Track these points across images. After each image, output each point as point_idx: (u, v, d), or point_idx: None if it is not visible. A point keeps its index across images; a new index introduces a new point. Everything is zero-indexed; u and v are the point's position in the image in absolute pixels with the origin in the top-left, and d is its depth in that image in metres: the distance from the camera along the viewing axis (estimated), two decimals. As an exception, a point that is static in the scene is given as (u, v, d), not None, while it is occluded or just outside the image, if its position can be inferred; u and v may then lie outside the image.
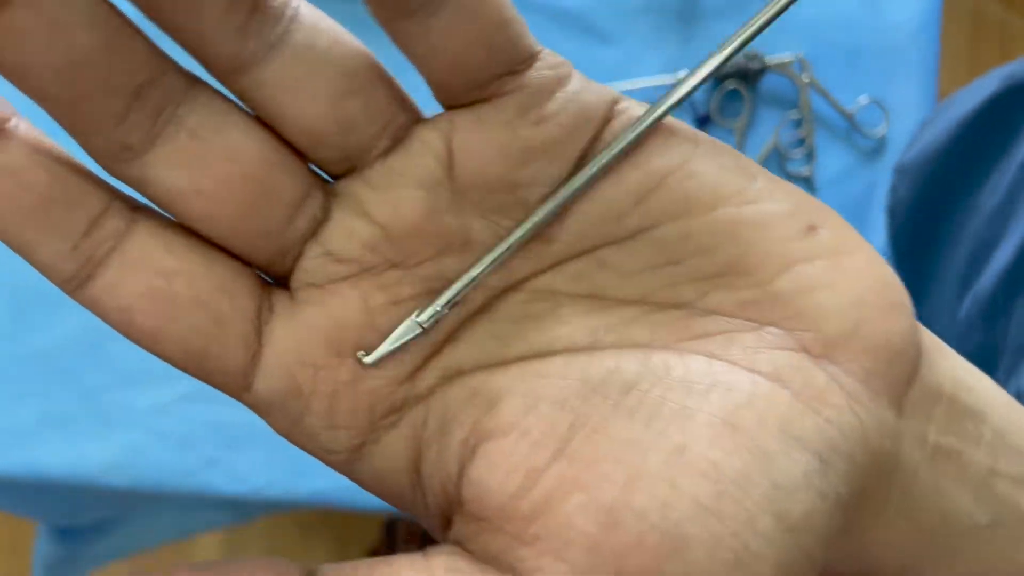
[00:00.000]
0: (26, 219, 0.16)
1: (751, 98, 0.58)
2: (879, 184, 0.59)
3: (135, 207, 0.17)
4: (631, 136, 0.18)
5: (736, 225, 0.18)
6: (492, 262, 0.18)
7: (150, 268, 0.17)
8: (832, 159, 0.59)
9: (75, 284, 0.17)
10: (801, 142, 0.58)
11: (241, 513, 0.66)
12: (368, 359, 0.18)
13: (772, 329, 0.17)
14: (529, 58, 0.18)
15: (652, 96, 0.58)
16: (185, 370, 0.17)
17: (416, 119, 0.18)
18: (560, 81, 0.18)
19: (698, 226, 0.18)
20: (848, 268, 0.18)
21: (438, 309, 0.18)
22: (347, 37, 0.17)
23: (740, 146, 0.58)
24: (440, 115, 0.18)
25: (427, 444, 0.18)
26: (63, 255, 0.16)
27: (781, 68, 0.58)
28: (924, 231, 0.55)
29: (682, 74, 0.58)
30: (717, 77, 0.58)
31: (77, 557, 0.67)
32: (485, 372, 0.18)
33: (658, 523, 0.16)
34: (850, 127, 0.59)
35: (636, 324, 0.18)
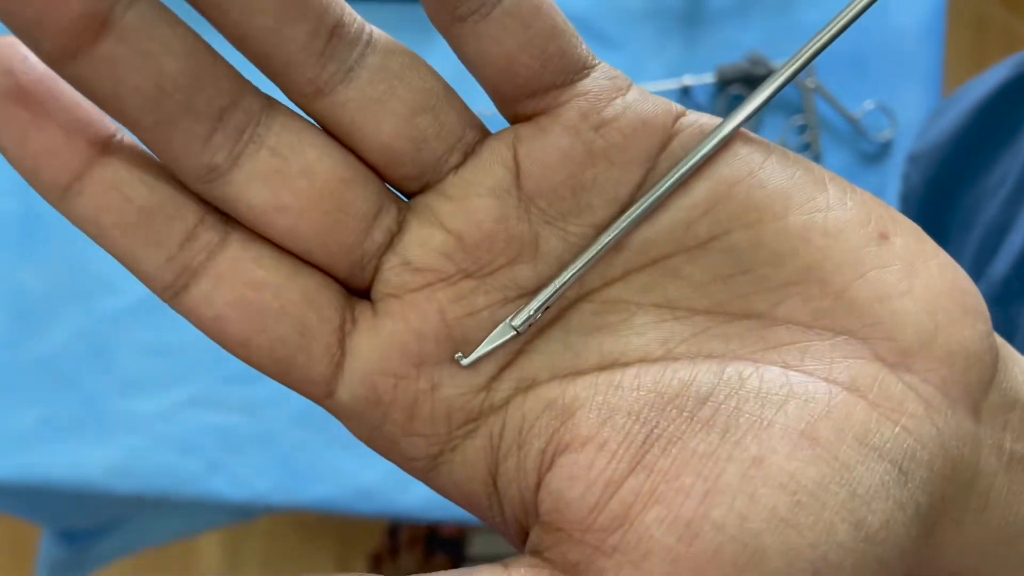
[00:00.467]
0: (128, 231, 0.17)
1: (756, 103, 0.58)
2: (885, 188, 0.59)
3: (228, 220, 0.18)
4: (708, 147, 0.18)
5: (808, 233, 0.18)
6: (583, 267, 0.18)
7: (241, 279, 0.18)
8: (837, 164, 0.59)
9: (172, 293, 0.18)
10: (806, 147, 0.58)
11: (243, 513, 0.66)
12: (465, 361, 0.18)
13: (847, 338, 0.17)
14: (584, 68, 0.18)
15: (656, 101, 0.58)
16: (272, 376, 0.18)
17: (483, 134, 0.19)
18: (618, 90, 0.18)
19: (769, 234, 0.18)
20: (923, 275, 0.18)
21: (531, 313, 0.18)
22: (418, 59, 0.18)
23: (745, 151, 0.58)
24: (505, 129, 0.19)
25: (504, 455, 0.18)
26: (161, 265, 0.17)
27: (786, 73, 0.58)
28: (937, 218, 0.55)
29: (687, 79, 0.58)
30: (721, 81, 0.57)
31: (81, 558, 0.68)
32: (559, 382, 0.18)
33: (736, 535, 0.16)
34: (855, 132, 0.58)
35: (709, 335, 0.18)
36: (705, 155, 0.18)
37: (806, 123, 0.58)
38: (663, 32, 0.59)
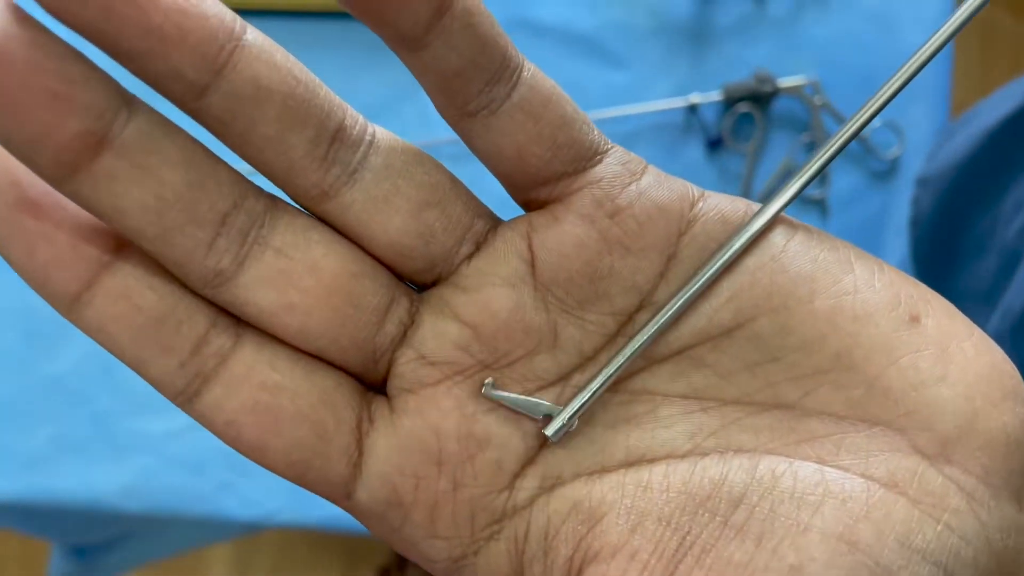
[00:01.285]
0: (137, 338, 0.17)
1: (763, 121, 0.58)
2: (893, 206, 0.58)
3: (240, 323, 0.18)
4: (740, 243, 0.17)
5: (836, 318, 0.17)
6: (616, 370, 0.18)
7: (255, 383, 0.17)
8: (845, 181, 0.58)
9: (185, 398, 0.17)
10: (813, 165, 0.58)
11: (252, 528, 0.66)
12: (492, 393, 0.18)
13: (883, 429, 0.17)
14: (596, 155, 0.18)
15: (664, 119, 0.58)
16: (289, 479, 0.18)
17: (494, 223, 0.19)
18: (632, 175, 0.18)
19: (796, 320, 0.17)
20: (957, 358, 0.17)
21: (565, 422, 0.18)
22: (421, 155, 0.18)
23: (752, 169, 0.58)
24: (518, 218, 0.19)
25: (529, 561, 0.18)
26: (172, 372, 0.17)
27: (793, 91, 0.57)
28: (946, 243, 0.55)
29: (693, 97, 0.58)
30: (728, 99, 0.57)
31: (90, 571, 0.68)
32: (585, 481, 0.18)
33: None
34: (863, 149, 0.58)
35: (738, 427, 0.18)
36: (738, 251, 0.17)
37: (813, 140, 0.58)
38: (670, 50, 0.59)
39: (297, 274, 0.17)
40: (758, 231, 0.18)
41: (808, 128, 0.58)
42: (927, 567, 0.16)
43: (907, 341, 0.17)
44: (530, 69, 0.17)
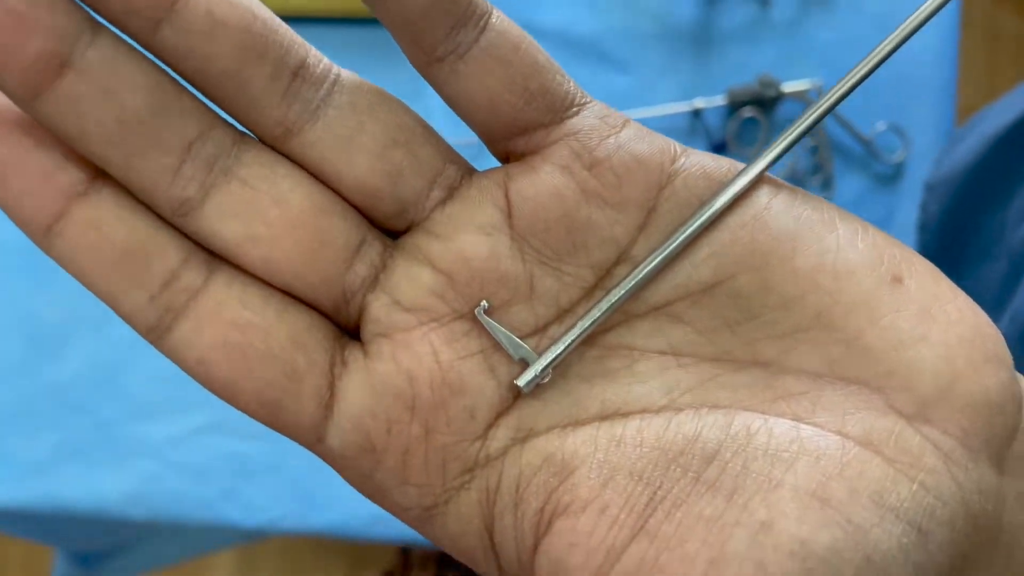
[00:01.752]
0: (108, 270, 0.17)
1: (768, 125, 0.57)
2: (897, 210, 0.58)
3: (213, 260, 0.18)
4: (727, 197, 0.17)
5: (817, 276, 0.17)
6: (592, 324, 0.18)
7: (225, 320, 0.17)
8: (850, 186, 0.58)
9: (156, 335, 0.17)
10: (818, 169, 0.58)
11: (256, 535, 0.66)
12: (483, 317, 0.18)
13: (860, 388, 0.17)
14: (573, 106, 0.18)
15: (668, 123, 0.58)
16: (260, 421, 0.18)
17: (467, 171, 0.19)
18: (611, 128, 0.18)
19: (776, 278, 0.17)
20: (940, 319, 0.17)
21: (537, 373, 0.18)
22: (388, 96, 0.18)
23: (756, 173, 0.58)
24: (495, 168, 0.19)
25: (500, 512, 0.18)
26: (143, 306, 0.17)
27: (798, 95, 0.57)
28: (955, 248, 0.55)
29: (698, 101, 0.58)
30: (732, 104, 0.57)
31: (95, 576, 0.68)
32: (558, 434, 0.18)
33: None
34: (867, 153, 0.58)
35: (715, 383, 0.17)
36: (720, 208, 0.17)
37: (817, 144, 0.58)
38: (673, 55, 0.59)
39: (262, 205, 0.17)
40: (742, 189, 0.17)
41: (812, 133, 0.58)
42: (900, 525, 0.15)
43: (888, 301, 0.17)
44: (499, 16, 0.18)
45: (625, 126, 0.18)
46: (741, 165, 0.18)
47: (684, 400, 0.17)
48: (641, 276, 0.18)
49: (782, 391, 0.17)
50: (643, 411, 0.17)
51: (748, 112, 0.57)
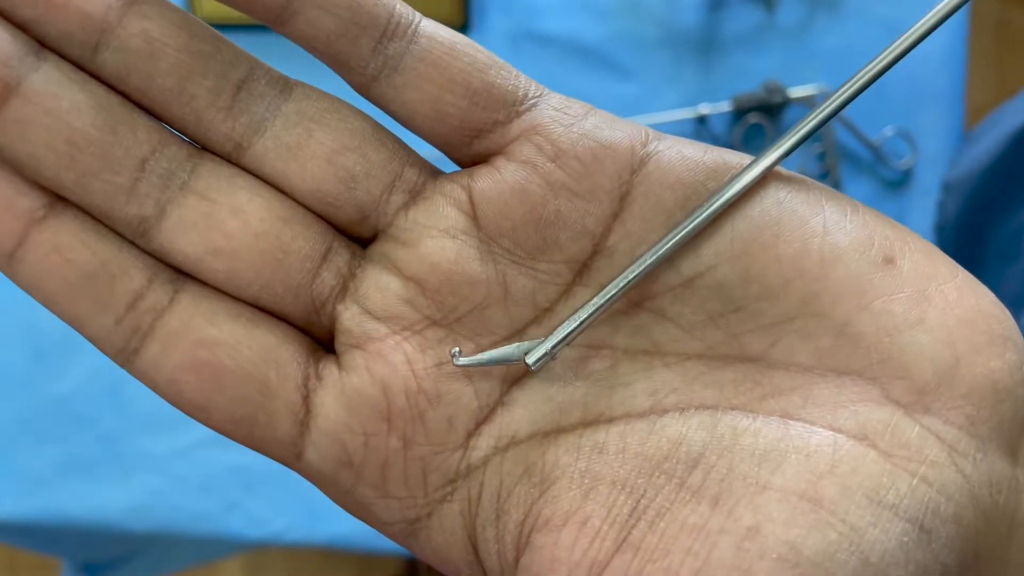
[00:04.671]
0: (71, 294, 0.17)
1: (774, 132, 0.57)
2: (906, 216, 0.58)
3: (180, 278, 0.18)
4: (730, 193, 0.16)
5: (802, 262, 0.16)
6: (611, 299, 0.17)
7: (192, 339, 0.17)
8: (858, 191, 0.58)
9: (124, 357, 0.17)
10: (826, 175, 0.57)
11: (260, 546, 0.66)
12: (461, 360, 0.17)
13: (853, 378, 0.16)
14: (526, 98, 0.17)
15: (673, 130, 0.57)
16: (237, 440, 0.18)
17: (429, 174, 0.18)
18: (573, 118, 0.17)
19: (758, 266, 0.16)
20: (936, 301, 0.16)
21: (549, 350, 0.17)
22: (339, 103, 0.18)
23: (763, 180, 0.57)
24: (457, 171, 0.18)
25: (483, 524, 0.17)
26: (109, 329, 0.17)
27: (804, 101, 0.57)
28: (973, 248, 0.54)
29: (703, 107, 0.57)
30: (738, 110, 0.57)
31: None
32: (540, 442, 0.17)
33: None
34: (875, 159, 0.57)
35: (700, 382, 0.17)
36: (737, 195, 0.16)
37: (825, 151, 0.57)
38: (678, 61, 0.59)
39: (221, 217, 0.17)
40: (752, 181, 0.16)
41: (819, 138, 0.57)
42: (900, 524, 0.14)
43: (880, 284, 0.16)
44: (428, 23, 0.17)
45: (589, 114, 0.17)
46: (719, 151, 0.17)
47: (669, 401, 0.17)
48: (662, 252, 0.17)
49: (771, 387, 0.16)
50: (626, 416, 0.17)
51: (754, 118, 0.57)
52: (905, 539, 0.14)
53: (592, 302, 0.17)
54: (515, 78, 0.17)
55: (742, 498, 0.15)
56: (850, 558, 0.14)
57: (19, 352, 0.55)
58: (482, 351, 0.17)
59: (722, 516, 0.15)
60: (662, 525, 0.15)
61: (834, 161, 0.57)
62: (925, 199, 0.57)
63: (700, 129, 0.57)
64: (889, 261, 0.16)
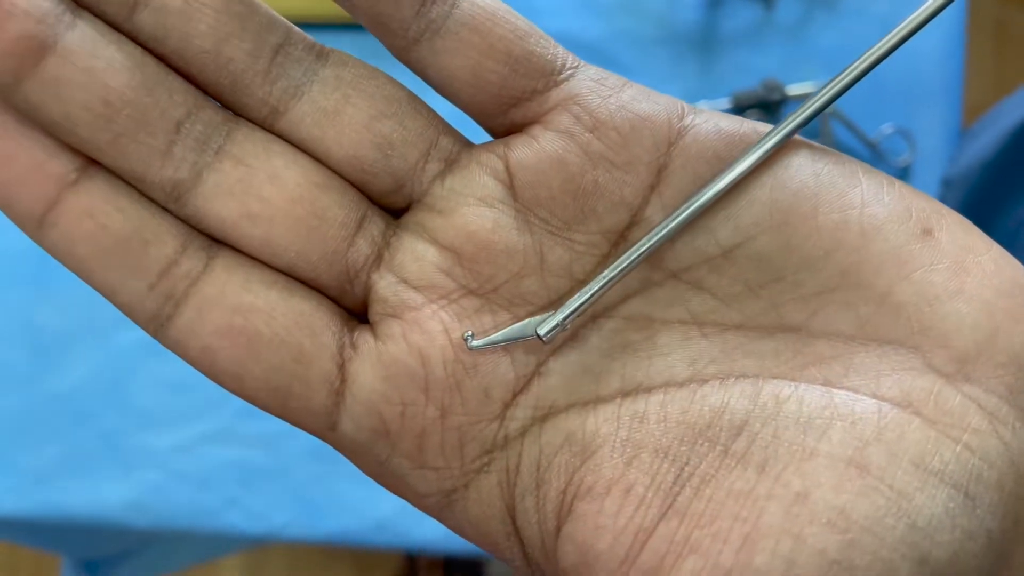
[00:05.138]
0: (104, 260, 0.16)
1: (772, 129, 0.57)
2: (904, 214, 0.58)
3: (213, 245, 0.17)
4: (751, 160, 0.16)
5: (841, 233, 0.16)
6: (620, 272, 0.17)
7: (228, 306, 0.17)
8: (855, 189, 0.58)
9: (157, 324, 0.17)
10: (823, 172, 0.58)
11: (261, 542, 0.66)
12: (474, 343, 0.17)
13: (895, 347, 0.16)
14: (564, 68, 0.17)
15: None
16: (270, 410, 0.17)
17: (463, 144, 0.18)
18: (611, 89, 0.17)
19: (799, 237, 0.16)
20: (975, 272, 0.16)
21: (560, 321, 0.17)
22: (374, 70, 0.18)
23: (761, 178, 0.57)
24: (494, 140, 0.18)
25: (521, 493, 0.17)
26: (142, 295, 0.17)
27: (803, 98, 0.57)
28: None
29: (702, 105, 0.57)
30: (737, 107, 0.57)
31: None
32: (579, 412, 0.17)
33: None
34: (874, 156, 0.57)
35: (740, 352, 0.17)
36: (752, 166, 0.16)
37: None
38: (677, 58, 0.59)
39: (257, 182, 0.17)
40: (768, 151, 0.16)
41: (818, 135, 0.58)
42: (945, 490, 0.15)
43: (919, 255, 0.16)
44: None
45: (626, 86, 0.17)
46: (754, 123, 0.17)
47: (709, 371, 0.17)
48: (672, 227, 0.17)
49: (812, 356, 0.16)
50: (666, 385, 0.17)
51: (753, 115, 0.57)
52: (951, 504, 0.14)
53: (602, 275, 0.17)
54: (553, 47, 0.17)
55: (789, 464, 0.15)
56: (898, 523, 0.14)
57: (19, 349, 0.55)
58: (518, 321, 0.17)
59: (769, 481, 0.15)
60: (708, 491, 0.15)
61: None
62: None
63: (699, 126, 0.58)
64: (927, 233, 0.16)
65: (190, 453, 0.54)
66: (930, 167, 0.58)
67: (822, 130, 0.57)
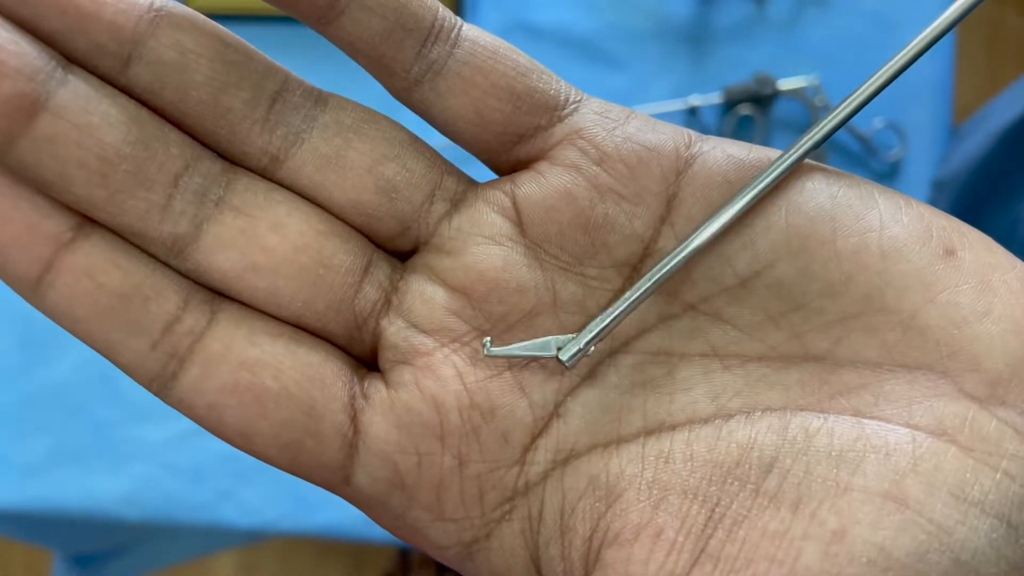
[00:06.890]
0: (104, 319, 0.16)
1: (764, 123, 0.57)
2: (895, 208, 0.58)
3: (216, 299, 0.17)
4: (762, 185, 0.16)
5: (861, 257, 0.16)
6: (641, 296, 0.16)
7: (234, 362, 0.16)
8: (847, 183, 0.58)
9: (161, 383, 0.16)
10: (815, 167, 0.58)
11: (254, 537, 0.66)
12: (492, 350, 0.17)
13: (925, 373, 0.15)
14: (568, 103, 0.17)
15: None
16: (280, 467, 0.17)
17: (468, 183, 0.18)
18: (615, 122, 0.17)
19: (818, 263, 0.16)
20: (1001, 292, 0.15)
21: (582, 346, 0.17)
22: (374, 113, 0.18)
23: (753, 172, 0.58)
24: (500, 177, 0.18)
25: (546, 542, 0.17)
26: (144, 354, 0.16)
27: (794, 93, 0.57)
28: None
29: (693, 99, 0.57)
30: (728, 102, 0.57)
31: (94, 579, 0.68)
32: (601, 453, 0.17)
33: None
34: (865, 151, 0.58)
35: (765, 384, 0.16)
36: (764, 190, 0.16)
37: (815, 142, 0.58)
38: (669, 53, 0.59)
39: (260, 232, 0.17)
40: (779, 176, 0.16)
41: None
42: (988, 520, 0.14)
43: (943, 276, 0.15)
44: (469, 27, 0.17)
45: (631, 118, 0.17)
46: (762, 148, 0.17)
47: (733, 405, 0.16)
48: (690, 250, 0.16)
49: (839, 386, 0.16)
50: (690, 422, 0.16)
51: (744, 110, 0.57)
52: (994, 536, 0.14)
53: (625, 296, 0.17)
54: (556, 82, 0.17)
55: (823, 501, 0.15)
56: (941, 558, 0.14)
57: (10, 341, 0.55)
58: (532, 361, 0.17)
59: (804, 521, 0.14)
60: (741, 533, 0.15)
61: (824, 152, 0.58)
62: (914, 191, 0.57)
63: (691, 120, 0.58)
64: (950, 252, 0.16)
65: (183, 446, 0.54)
66: (921, 161, 0.58)
67: (814, 126, 0.58)
